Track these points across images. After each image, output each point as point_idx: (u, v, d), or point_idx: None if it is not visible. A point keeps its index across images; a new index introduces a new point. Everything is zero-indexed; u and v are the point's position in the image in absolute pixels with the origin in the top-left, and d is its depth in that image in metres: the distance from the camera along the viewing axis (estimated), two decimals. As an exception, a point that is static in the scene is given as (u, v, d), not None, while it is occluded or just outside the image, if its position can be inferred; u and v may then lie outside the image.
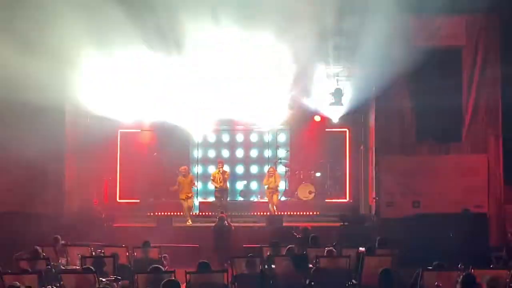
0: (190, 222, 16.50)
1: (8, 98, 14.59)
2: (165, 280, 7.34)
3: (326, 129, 18.46)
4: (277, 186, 17.14)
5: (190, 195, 16.86)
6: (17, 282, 7.68)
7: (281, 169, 18.47)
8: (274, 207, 16.98)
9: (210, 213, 17.22)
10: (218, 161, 17.59)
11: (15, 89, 14.51)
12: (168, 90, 16.41)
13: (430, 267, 9.04)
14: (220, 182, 16.85)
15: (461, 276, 7.06)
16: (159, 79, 16.25)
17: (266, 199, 17.42)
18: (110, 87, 16.23)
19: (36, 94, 14.74)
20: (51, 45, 14.14)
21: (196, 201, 18.27)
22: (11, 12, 13.88)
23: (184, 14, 14.29)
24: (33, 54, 13.90)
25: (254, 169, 19.17)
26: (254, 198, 18.64)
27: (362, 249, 10.98)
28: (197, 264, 8.99)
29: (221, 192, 16.89)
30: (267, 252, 11.21)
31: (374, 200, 16.00)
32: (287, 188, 18.63)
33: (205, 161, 19.03)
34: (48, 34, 14.01)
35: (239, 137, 19.32)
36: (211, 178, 17.30)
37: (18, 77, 14.27)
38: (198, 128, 18.08)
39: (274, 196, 17.00)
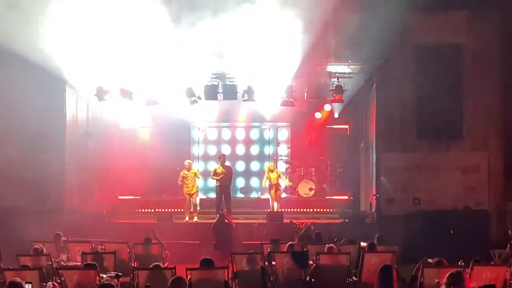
0: (187, 219, 16.25)
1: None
2: (173, 277, 7.34)
3: (327, 126, 18.47)
4: (278, 182, 16.63)
5: (193, 192, 16.33)
6: (18, 278, 7.67)
7: (282, 166, 18.47)
8: (275, 203, 16.62)
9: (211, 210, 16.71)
10: (219, 156, 16.81)
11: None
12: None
13: (430, 260, 9.08)
14: (222, 174, 16.04)
15: (448, 274, 7.09)
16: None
17: (266, 196, 17.33)
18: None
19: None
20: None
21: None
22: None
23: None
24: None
25: (254, 165, 19.20)
26: (254, 195, 18.62)
27: (363, 244, 10.99)
28: (200, 261, 8.97)
29: (224, 189, 16.28)
30: (268, 249, 11.20)
31: (374, 197, 16.00)
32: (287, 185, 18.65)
33: (206, 158, 19.05)
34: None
35: (240, 134, 19.31)
36: (212, 174, 16.51)
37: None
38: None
39: (277, 193, 16.66)
